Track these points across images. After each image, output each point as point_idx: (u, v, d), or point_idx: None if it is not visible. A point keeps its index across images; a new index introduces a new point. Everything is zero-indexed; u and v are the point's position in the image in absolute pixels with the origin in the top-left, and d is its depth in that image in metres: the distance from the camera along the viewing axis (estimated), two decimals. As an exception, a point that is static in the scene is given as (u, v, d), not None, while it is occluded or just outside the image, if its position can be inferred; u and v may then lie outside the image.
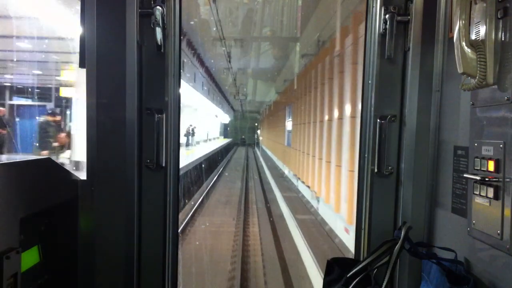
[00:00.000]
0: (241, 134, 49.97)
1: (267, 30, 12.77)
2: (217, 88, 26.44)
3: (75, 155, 8.52)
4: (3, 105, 13.82)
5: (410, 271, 1.66)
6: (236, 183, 17.66)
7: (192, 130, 20.48)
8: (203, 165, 16.89)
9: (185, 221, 9.51)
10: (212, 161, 21.13)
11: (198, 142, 23.35)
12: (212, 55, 17.69)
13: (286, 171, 17.95)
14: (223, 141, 36.48)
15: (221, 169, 22.06)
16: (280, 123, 22.94)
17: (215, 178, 17.71)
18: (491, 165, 1.25)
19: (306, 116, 12.76)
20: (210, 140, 31.17)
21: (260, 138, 45.74)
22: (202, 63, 18.22)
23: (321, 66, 10.32)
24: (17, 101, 15.36)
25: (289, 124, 18.84)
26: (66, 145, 9.29)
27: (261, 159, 31.32)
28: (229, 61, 16.75)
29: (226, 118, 43.22)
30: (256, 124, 50.05)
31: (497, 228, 1.22)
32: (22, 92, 15.57)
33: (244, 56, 16.98)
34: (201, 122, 24.40)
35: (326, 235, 8.30)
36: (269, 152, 30.98)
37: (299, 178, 13.70)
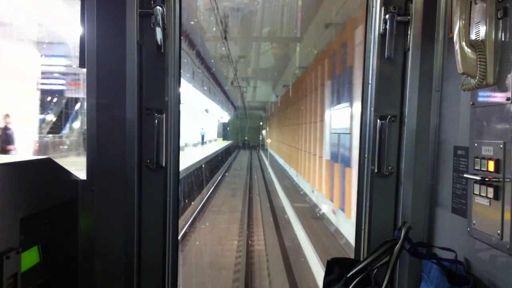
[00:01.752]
0: (243, 135, 47.23)
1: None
2: (207, 72, 20.20)
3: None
4: None
5: (410, 271, 1.66)
6: (231, 238, 8.71)
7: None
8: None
9: None
10: (189, 185, 12.62)
11: (182, 148, 15.93)
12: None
13: (325, 209, 10.11)
14: (219, 145, 29.43)
15: (205, 198, 12.89)
16: (309, 116, 13.15)
17: (185, 228, 8.82)
18: (491, 165, 1.24)
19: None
20: (205, 143, 26.43)
21: (267, 140, 39.35)
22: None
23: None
24: None
25: (337, 116, 8.84)
26: None
27: (269, 170, 22.87)
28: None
29: (225, 117, 40.42)
30: (261, 123, 46.75)
31: (497, 228, 1.21)
32: None
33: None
34: (188, 120, 19.11)
35: None
36: (280, 160, 23.99)
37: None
